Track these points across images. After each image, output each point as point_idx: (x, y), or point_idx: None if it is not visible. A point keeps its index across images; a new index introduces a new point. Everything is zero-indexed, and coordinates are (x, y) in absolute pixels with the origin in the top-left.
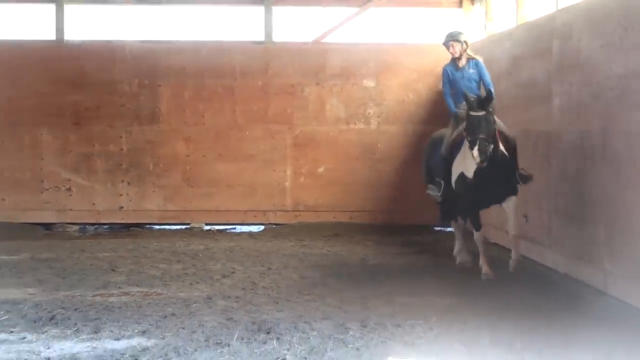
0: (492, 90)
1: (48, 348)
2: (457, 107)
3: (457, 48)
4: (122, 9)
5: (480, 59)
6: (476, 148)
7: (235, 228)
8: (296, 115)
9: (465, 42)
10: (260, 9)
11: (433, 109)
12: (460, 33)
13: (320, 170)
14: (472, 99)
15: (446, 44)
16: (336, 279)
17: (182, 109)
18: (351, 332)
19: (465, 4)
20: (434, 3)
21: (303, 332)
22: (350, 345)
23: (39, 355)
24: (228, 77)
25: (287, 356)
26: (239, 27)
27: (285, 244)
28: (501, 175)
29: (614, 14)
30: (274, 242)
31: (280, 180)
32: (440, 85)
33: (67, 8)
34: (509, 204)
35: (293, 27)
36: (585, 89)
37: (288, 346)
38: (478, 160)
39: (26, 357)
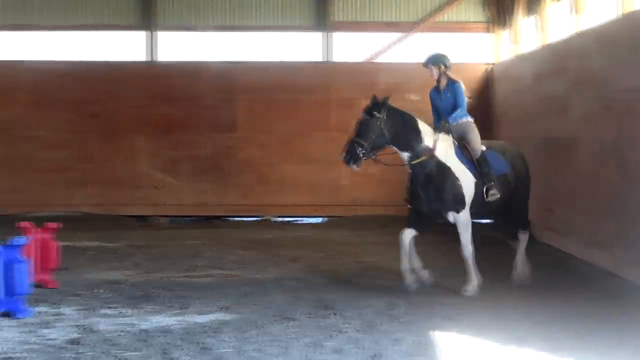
0: (459, 112)
1: (144, 321)
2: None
3: (434, 72)
4: (205, 35)
5: (459, 82)
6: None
7: (300, 220)
8: (352, 124)
9: (444, 65)
10: (322, 34)
11: None
12: (438, 56)
13: (372, 170)
14: (368, 104)
15: (426, 66)
16: (386, 263)
17: (255, 119)
18: (400, 309)
19: (495, 29)
20: (467, 29)
21: (359, 309)
22: (399, 320)
23: (136, 327)
24: (294, 92)
25: (346, 329)
26: (303, 49)
27: (342, 233)
28: (435, 187)
29: (623, 37)
30: (333, 232)
31: (338, 179)
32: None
33: (158, 34)
34: (456, 221)
35: (349, 49)
36: (599, 101)
37: (346, 320)
38: (341, 158)
39: (125, 329)
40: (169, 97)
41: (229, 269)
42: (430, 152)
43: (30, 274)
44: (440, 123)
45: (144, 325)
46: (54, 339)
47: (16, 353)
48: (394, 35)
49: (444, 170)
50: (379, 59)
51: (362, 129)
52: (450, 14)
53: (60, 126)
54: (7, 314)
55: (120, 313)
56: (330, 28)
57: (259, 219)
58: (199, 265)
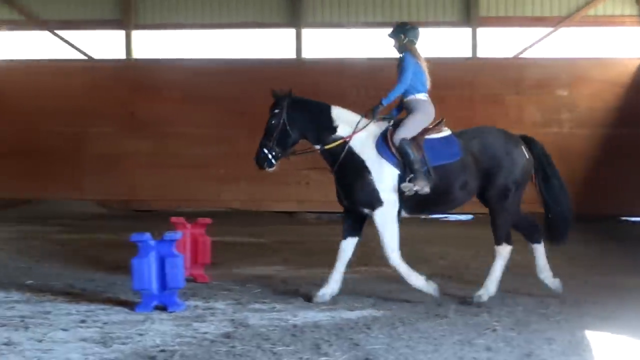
0: (395, 89)
1: (294, 316)
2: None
3: (394, 44)
4: (351, 31)
5: (409, 54)
6: None
7: (448, 217)
8: (498, 120)
9: (404, 36)
10: (468, 30)
11: (620, 115)
12: (398, 27)
13: None
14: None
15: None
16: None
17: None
18: (551, 307)
19: None
20: (618, 23)
21: (509, 307)
22: (552, 319)
23: (287, 322)
24: (438, 89)
25: (497, 327)
26: (449, 45)
27: (490, 231)
28: (344, 180)
29: None
30: (481, 229)
31: None
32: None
33: (304, 31)
34: (374, 220)
35: (496, 45)
36: None
37: (497, 318)
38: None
39: (276, 323)
40: (316, 94)
41: (376, 265)
42: (342, 140)
43: (183, 268)
44: (373, 108)
45: (295, 320)
46: (207, 333)
47: (171, 346)
48: (541, 30)
49: (354, 161)
50: (526, 54)
51: (267, 130)
52: (600, 8)
53: (210, 123)
54: (161, 308)
55: (271, 308)
56: (477, 23)
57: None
58: None
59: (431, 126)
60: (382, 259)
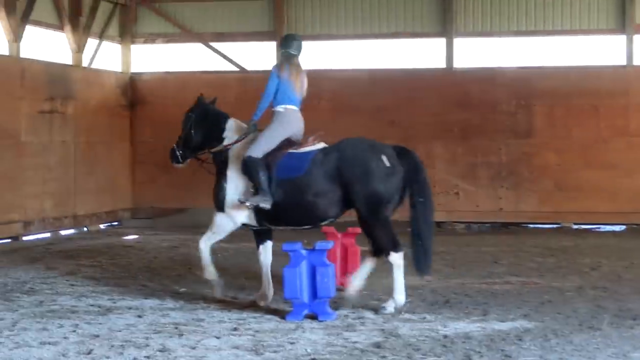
0: (259, 105)
1: (444, 327)
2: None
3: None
4: (501, 40)
5: (275, 68)
6: None
7: (599, 227)
8: None
9: (281, 48)
10: (624, 37)
11: None
12: (280, 40)
13: None
14: None
15: None
16: None
17: (552, 125)
18: None
19: None
20: None
21: None
22: None
23: (438, 332)
24: (593, 97)
25: None
26: (603, 53)
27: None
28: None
29: None
30: (635, 240)
31: None
32: None
33: (456, 41)
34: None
35: None
36: None
37: None
38: None
39: (427, 334)
40: (466, 103)
41: (527, 277)
42: (223, 148)
43: (334, 277)
44: (249, 122)
45: (445, 331)
46: (358, 342)
47: (321, 355)
48: None
49: (223, 168)
50: None
51: (182, 129)
52: None
53: (359, 133)
54: (312, 316)
55: (421, 318)
56: (632, 31)
57: (556, 226)
58: (496, 272)
59: (302, 140)
60: (534, 270)
